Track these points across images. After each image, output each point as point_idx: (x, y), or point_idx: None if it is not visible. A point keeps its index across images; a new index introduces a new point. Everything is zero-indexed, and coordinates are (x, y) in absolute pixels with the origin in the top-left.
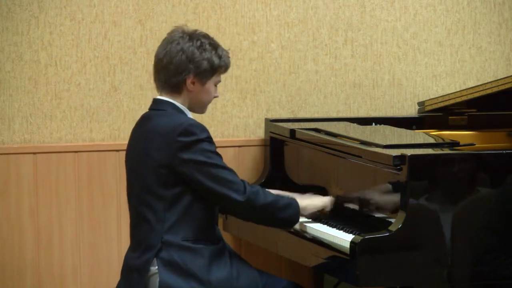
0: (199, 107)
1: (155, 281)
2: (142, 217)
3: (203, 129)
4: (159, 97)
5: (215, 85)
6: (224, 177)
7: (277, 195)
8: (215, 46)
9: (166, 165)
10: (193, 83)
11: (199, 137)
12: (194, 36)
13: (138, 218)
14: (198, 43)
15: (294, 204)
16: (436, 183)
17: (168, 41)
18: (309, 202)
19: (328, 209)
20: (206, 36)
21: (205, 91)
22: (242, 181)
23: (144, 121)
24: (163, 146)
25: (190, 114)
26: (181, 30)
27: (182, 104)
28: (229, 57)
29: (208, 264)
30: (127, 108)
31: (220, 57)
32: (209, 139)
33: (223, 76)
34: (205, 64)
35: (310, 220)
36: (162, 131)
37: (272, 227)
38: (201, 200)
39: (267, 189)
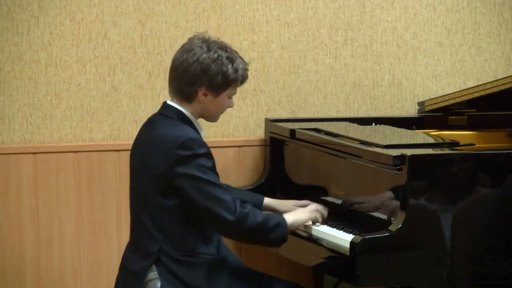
0: (210, 117)
1: (155, 286)
2: (142, 222)
3: (202, 144)
4: (169, 102)
5: (230, 97)
6: (215, 195)
7: (266, 215)
8: (232, 59)
9: (162, 175)
10: (205, 95)
11: (196, 152)
12: (212, 47)
13: (137, 221)
14: (215, 55)
15: (282, 223)
16: (436, 183)
17: (186, 50)
18: (296, 217)
19: (319, 221)
20: (224, 48)
21: (217, 103)
22: (234, 201)
23: (150, 125)
24: (162, 156)
25: (198, 124)
26: (201, 39)
27: (191, 113)
28: (247, 69)
29: (208, 276)
30: (127, 108)
31: (236, 71)
32: (206, 155)
33: None
34: (219, 78)
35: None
36: (163, 141)
37: (261, 246)
38: (202, 217)
39: (262, 196)
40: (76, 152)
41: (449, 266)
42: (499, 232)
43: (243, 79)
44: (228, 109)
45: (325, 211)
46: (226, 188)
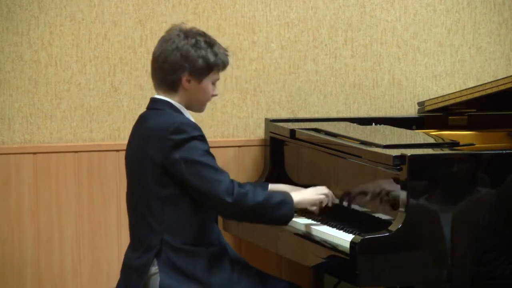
0: (197, 106)
1: (156, 281)
2: (141, 217)
3: (196, 127)
4: (156, 96)
5: (213, 83)
6: (211, 177)
7: (270, 193)
8: (211, 43)
9: (160, 164)
10: (188, 81)
11: (191, 135)
12: (189, 34)
13: (137, 217)
14: (193, 41)
15: (287, 200)
16: (436, 183)
17: (164, 40)
18: (303, 197)
19: (325, 203)
20: (202, 34)
21: (202, 89)
22: (232, 181)
23: (141, 121)
24: (158, 145)
25: (188, 113)
26: (178, 28)
27: (179, 102)
28: (227, 54)
29: (209, 267)
30: (127, 108)
31: (216, 54)
32: (201, 137)
33: (223, 75)
34: (200, 62)
35: (313, 221)
36: (157, 130)
37: (266, 225)
38: (200, 201)
39: (266, 183)
40: (76, 152)
41: (449, 266)
42: (499, 232)
43: (224, 63)
44: (228, 109)
45: (332, 196)
46: (223, 170)
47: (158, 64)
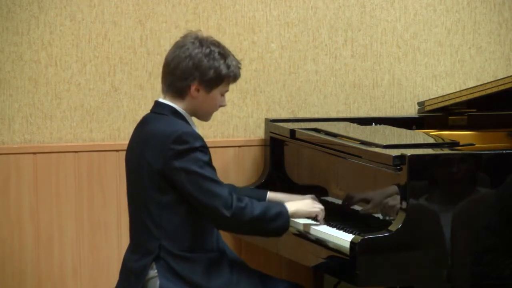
0: (203, 115)
1: (155, 284)
2: (140, 221)
3: (198, 137)
4: (161, 99)
5: (222, 95)
6: (211, 190)
7: (266, 205)
8: (224, 55)
9: (159, 171)
10: (197, 90)
11: (192, 146)
12: (204, 43)
13: (136, 220)
14: (207, 50)
15: (283, 212)
16: (436, 183)
17: (179, 46)
18: (298, 208)
19: (320, 217)
20: (216, 44)
21: (209, 99)
22: (231, 195)
23: (143, 123)
24: (157, 152)
25: (191, 120)
26: (194, 36)
27: (184, 109)
28: (239, 67)
29: (207, 273)
30: (127, 108)
31: (228, 67)
32: (202, 148)
33: None
34: (211, 72)
35: (312, 221)
36: (158, 136)
37: (263, 237)
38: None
39: (265, 191)
40: (76, 152)
41: (449, 266)
42: (499, 232)
43: (235, 76)
44: (228, 109)
45: (323, 213)
46: (222, 182)
47: (170, 69)
